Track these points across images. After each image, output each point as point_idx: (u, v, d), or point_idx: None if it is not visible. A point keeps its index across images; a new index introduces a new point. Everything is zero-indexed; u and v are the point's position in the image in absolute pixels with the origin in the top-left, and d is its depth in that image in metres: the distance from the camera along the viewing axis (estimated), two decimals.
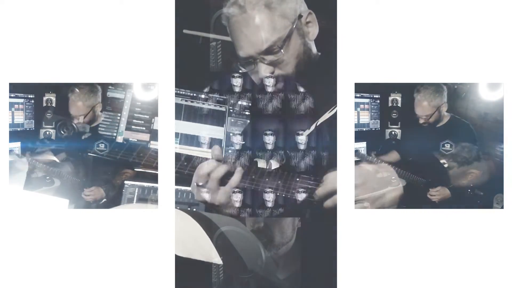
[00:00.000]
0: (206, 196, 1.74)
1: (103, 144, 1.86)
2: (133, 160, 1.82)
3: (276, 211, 1.80)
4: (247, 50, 1.76)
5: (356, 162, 1.84)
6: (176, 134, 1.85)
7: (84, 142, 1.91)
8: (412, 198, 1.87)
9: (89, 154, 1.87)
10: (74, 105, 1.93)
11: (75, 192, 1.90)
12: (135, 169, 1.91)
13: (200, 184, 1.73)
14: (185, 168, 1.77)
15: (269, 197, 1.76)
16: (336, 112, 1.79)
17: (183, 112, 1.86)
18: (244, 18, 1.74)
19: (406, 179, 1.89)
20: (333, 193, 1.72)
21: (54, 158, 1.91)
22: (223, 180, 1.73)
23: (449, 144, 1.89)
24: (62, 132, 1.91)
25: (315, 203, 1.73)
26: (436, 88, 1.90)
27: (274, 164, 1.82)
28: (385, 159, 1.91)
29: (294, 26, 1.76)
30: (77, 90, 1.91)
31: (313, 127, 1.81)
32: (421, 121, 1.93)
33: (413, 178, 1.90)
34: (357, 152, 1.86)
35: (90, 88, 1.92)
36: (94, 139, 1.89)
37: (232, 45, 1.82)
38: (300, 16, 1.78)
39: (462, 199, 1.88)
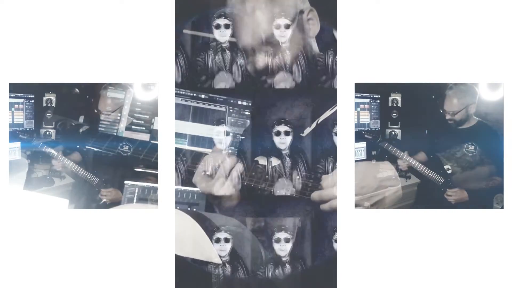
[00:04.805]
0: (212, 186, 1.76)
1: (127, 146, 1.87)
2: (155, 160, 1.83)
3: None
4: (246, 40, 1.81)
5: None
6: (184, 135, 1.86)
7: (82, 136, 1.91)
8: (428, 198, 1.88)
9: (91, 149, 1.88)
10: (104, 101, 1.94)
11: (91, 192, 1.91)
12: (135, 169, 1.91)
13: (209, 173, 1.75)
14: (185, 164, 1.79)
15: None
16: (336, 111, 1.80)
17: (191, 113, 1.87)
18: (245, 11, 1.79)
19: (423, 178, 1.90)
20: (329, 199, 1.74)
21: (52, 151, 1.90)
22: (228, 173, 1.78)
23: (473, 146, 1.88)
24: (60, 130, 1.92)
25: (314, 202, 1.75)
26: (468, 88, 1.88)
27: (275, 161, 1.83)
28: (414, 157, 1.91)
29: (295, 21, 1.79)
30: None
31: (314, 124, 1.82)
32: (448, 117, 1.91)
33: (432, 175, 1.89)
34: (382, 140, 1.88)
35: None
36: (91, 132, 1.90)
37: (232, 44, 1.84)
38: (301, 12, 1.80)
39: (479, 201, 1.86)
